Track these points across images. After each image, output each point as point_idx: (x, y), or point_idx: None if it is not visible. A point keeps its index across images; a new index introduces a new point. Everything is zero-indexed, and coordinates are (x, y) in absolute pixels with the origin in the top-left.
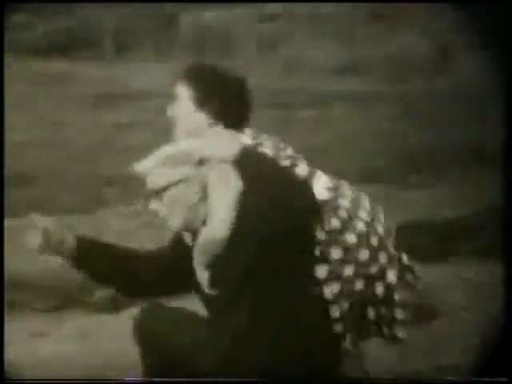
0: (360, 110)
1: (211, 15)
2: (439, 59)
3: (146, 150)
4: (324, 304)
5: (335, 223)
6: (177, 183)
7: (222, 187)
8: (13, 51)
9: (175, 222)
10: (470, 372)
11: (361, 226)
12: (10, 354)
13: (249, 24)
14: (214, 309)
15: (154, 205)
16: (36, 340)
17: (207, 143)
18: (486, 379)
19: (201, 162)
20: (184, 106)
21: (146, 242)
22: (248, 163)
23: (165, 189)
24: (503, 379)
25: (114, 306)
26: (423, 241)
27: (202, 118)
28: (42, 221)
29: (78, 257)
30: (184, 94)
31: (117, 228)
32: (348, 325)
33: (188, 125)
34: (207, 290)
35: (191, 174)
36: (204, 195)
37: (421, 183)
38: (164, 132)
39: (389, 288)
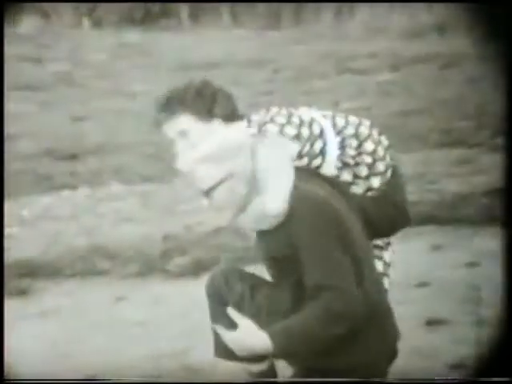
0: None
1: None
2: None
3: None
4: None
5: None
6: (224, 179)
7: (275, 167)
8: (92, 22)
9: (226, 217)
10: (472, 372)
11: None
12: (94, 315)
13: None
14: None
15: (205, 202)
16: (120, 304)
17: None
18: (488, 379)
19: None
20: (197, 130)
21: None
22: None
23: (214, 187)
24: (505, 379)
25: (193, 272)
26: None
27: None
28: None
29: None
30: (189, 121)
31: (191, 196)
32: None
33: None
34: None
35: (237, 166)
36: (252, 184)
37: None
38: (241, 100)
39: None
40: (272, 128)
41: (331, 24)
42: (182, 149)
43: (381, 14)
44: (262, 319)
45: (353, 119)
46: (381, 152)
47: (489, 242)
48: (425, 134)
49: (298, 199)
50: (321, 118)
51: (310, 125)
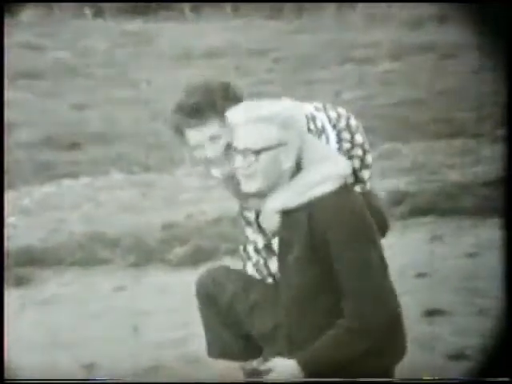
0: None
1: None
2: None
3: None
4: None
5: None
6: (274, 147)
7: (319, 163)
8: (94, 11)
9: (254, 185)
10: (472, 372)
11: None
12: (94, 304)
13: None
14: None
15: (237, 162)
16: (120, 293)
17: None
18: (488, 379)
19: (310, 130)
20: (227, 134)
21: (221, 201)
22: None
23: (264, 150)
24: (505, 379)
25: (192, 262)
26: None
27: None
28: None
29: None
30: (219, 126)
31: (194, 186)
32: None
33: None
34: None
35: (291, 139)
36: (296, 164)
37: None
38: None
39: None
40: None
41: (333, 14)
42: (213, 153)
43: (382, 4)
44: (258, 318)
45: (341, 111)
46: (367, 144)
47: (489, 232)
48: (425, 124)
49: (332, 200)
50: (317, 112)
51: (314, 120)
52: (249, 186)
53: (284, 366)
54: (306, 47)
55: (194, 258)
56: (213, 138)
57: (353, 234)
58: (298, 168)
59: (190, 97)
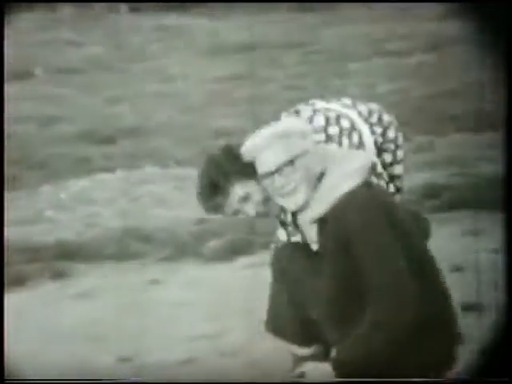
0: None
1: None
2: None
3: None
4: None
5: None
6: (300, 155)
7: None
8: (128, 5)
9: (298, 199)
10: (471, 371)
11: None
12: (128, 298)
13: None
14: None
15: (277, 182)
16: (154, 287)
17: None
18: (488, 379)
19: (329, 138)
20: (255, 187)
21: None
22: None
23: (292, 160)
24: (505, 379)
25: (226, 256)
26: None
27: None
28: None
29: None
30: (245, 185)
31: None
32: None
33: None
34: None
35: (310, 147)
36: (324, 168)
37: None
38: (276, 83)
39: None
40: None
41: (365, 5)
42: (253, 210)
43: None
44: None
45: (373, 106)
46: (400, 139)
47: None
48: (460, 117)
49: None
50: (345, 110)
51: (338, 120)
52: (293, 203)
53: (317, 369)
54: (339, 40)
55: (228, 252)
56: (246, 197)
57: (374, 232)
58: (322, 175)
59: (203, 181)
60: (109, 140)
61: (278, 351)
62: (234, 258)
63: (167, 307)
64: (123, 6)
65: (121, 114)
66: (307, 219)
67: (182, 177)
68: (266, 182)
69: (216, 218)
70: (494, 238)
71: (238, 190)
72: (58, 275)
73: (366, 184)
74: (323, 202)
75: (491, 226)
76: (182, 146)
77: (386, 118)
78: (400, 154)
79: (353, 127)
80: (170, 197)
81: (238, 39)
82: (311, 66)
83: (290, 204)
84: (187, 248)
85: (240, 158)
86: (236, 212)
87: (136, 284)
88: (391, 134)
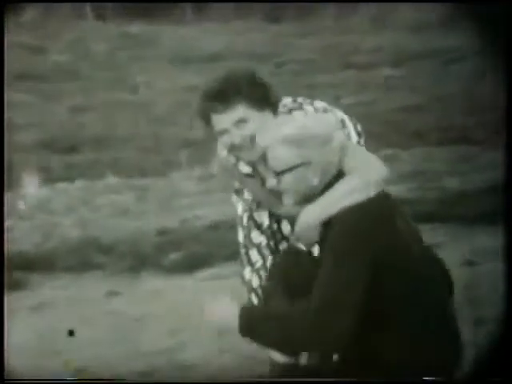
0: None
1: None
2: None
3: None
4: None
5: None
6: (299, 166)
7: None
8: (95, 14)
9: (290, 200)
10: (467, 372)
11: None
12: (86, 310)
13: None
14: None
15: (271, 182)
16: (111, 299)
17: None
18: (488, 379)
19: (341, 149)
20: (255, 119)
21: (216, 206)
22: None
23: (286, 171)
24: (497, 379)
25: (186, 268)
26: None
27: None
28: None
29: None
30: (246, 110)
31: (190, 190)
32: None
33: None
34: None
35: (315, 157)
36: (325, 178)
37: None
38: None
39: None
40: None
41: (334, 17)
42: (239, 139)
43: (385, 8)
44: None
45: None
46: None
47: (489, 240)
48: (426, 131)
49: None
50: (330, 108)
51: (344, 124)
52: (286, 202)
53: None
54: (308, 51)
55: (188, 264)
56: (238, 123)
57: (343, 251)
58: (337, 177)
59: (215, 83)
60: (70, 149)
61: (236, 365)
62: (195, 270)
63: (126, 319)
64: (89, 13)
65: (84, 122)
66: (305, 220)
67: (145, 187)
68: (274, 179)
69: (178, 229)
70: (457, 251)
71: (238, 111)
72: (15, 286)
73: (384, 197)
74: (326, 206)
75: (453, 239)
76: (146, 156)
77: (359, 127)
78: None
79: (343, 124)
80: (132, 207)
81: (205, 48)
82: (279, 77)
83: (285, 200)
84: (148, 259)
85: (259, 87)
86: (223, 131)
87: (95, 296)
88: (362, 141)
